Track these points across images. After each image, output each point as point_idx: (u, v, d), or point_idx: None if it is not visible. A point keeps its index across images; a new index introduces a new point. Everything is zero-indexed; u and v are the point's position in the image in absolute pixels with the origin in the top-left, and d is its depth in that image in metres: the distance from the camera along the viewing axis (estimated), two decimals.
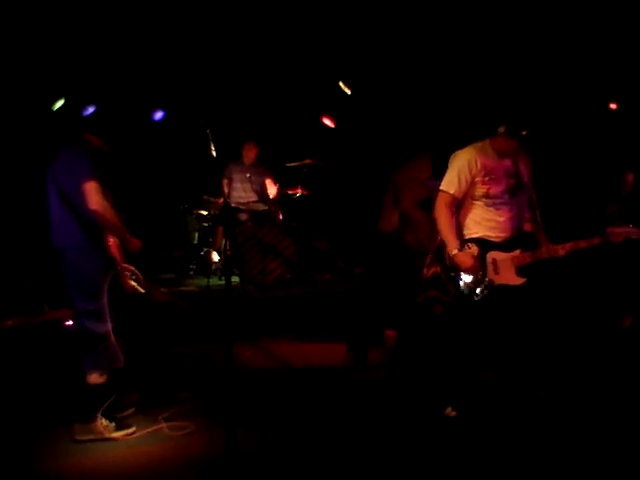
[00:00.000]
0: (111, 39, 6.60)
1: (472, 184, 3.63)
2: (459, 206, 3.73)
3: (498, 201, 3.64)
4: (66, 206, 3.51)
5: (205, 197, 6.94)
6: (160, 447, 3.40)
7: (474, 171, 3.61)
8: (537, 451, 3.26)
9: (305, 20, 6.71)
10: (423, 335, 5.32)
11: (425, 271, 5.69)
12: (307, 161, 7.08)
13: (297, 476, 3.10)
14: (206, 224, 7.22)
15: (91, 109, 7.23)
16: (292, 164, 7.18)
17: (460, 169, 3.64)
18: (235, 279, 6.35)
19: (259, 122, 7.89)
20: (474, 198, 3.67)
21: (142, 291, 3.68)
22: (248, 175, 7.17)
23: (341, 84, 7.72)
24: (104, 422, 3.48)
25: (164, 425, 3.61)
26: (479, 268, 3.63)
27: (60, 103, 6.47)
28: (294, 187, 7.14)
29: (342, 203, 8.10)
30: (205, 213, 7.12)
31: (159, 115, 7.90)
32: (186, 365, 4.67)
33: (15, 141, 6.61)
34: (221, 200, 6.89)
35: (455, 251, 3.64)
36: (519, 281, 3.64)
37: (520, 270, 3.64)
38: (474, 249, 3.67)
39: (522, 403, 3.72)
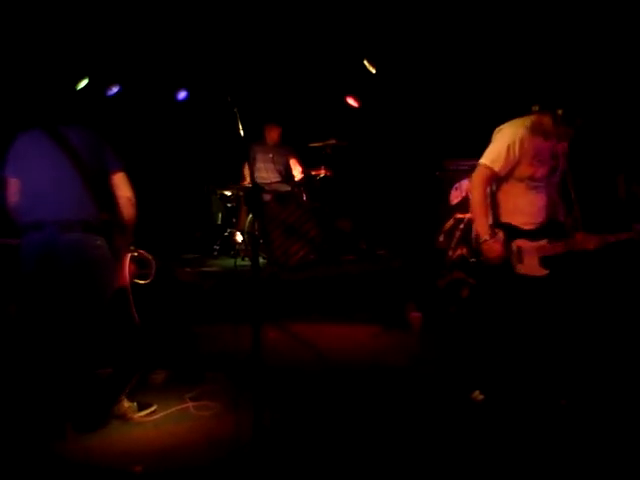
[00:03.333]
0: (134, 19, 6.55)
1: (517, 163, 3.40)
2: (496, 184, 3.52)
3: (541, 184, 3.45)
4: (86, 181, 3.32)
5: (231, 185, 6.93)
6: (186, 427, 3.40)
7: (524, 150, 3.37)
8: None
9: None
10: (448, 317, 5.31)
11: (450, 253, 5.67)
12: (331, 141, 7.01)
13: (324, 458, 3.08)
14: (230, 204, 7.20)
15: (115, 89, 7.28)
16: (315, 144, 7.11)
17: (510, 145, 3.39)
18: (261, 260, 6.34)
19: (282, 102, 7.82)
20: (516, 179, 3.45)
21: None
22: (271, 155, 7.13)
23: (366, 63, 7.60)
24: (126, 404, 3.49)
25: (190, 404, 3.62)
26: (504, 258, 3.44)
27: (84, 82, 6.44)
28: (317, 168, 7.07)
29: (365, 184, 8.03)
30: (229, 194, 7.10)
31: (183, 95, 7.86)
32: (210, 345, 4.68)
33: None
34: (246, 182, 6.86)
35: (487, 237, 3.42)
36: (541, 272, 3.42)
37: (544, 261, 3.42)
38: (500, 235, 3.46)
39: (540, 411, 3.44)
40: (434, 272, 5.66)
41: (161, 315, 5.05)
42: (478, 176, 3.48)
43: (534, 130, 3.43)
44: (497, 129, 3.54)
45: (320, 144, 7.08)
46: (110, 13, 6.41)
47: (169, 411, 3.55)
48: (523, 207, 3.47)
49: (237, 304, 4.99)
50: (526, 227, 3.46)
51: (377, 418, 3.47)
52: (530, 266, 3.43)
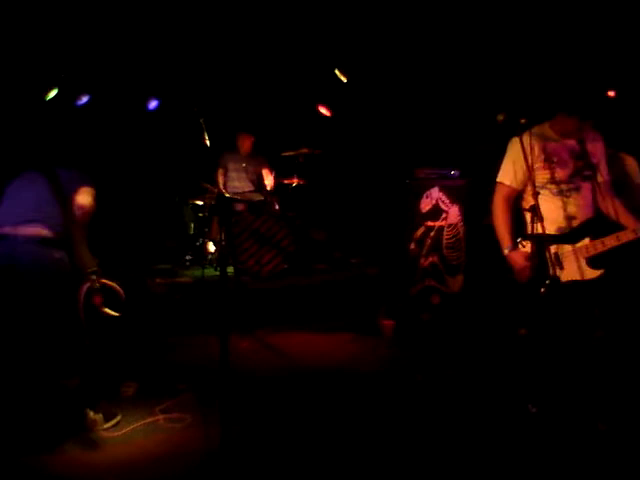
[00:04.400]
0: (104, 28, 6.52)
1: (532, 171, 3.27)
2: (520, 198, 3.44)
3: (567, 187, 3.30)
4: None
5: (205, 185, 6.87)
6: (156, 439, 3.38)
7: (531, 157, 3.25)
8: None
9: (300, 8, 6.63)
10: (419, 325, 5.36)
11: (422, 260, 5.73)
12: (303, 150, 7.03)
13: (294, 469, 3.08)
14: (202, 214, 7.18)
15: (85, 98, 7.22)
16: (288, 153, 7.13)
17: (514, 157, 3.35)
18: (230, 270, 6.32)
19: (254, 111, 7.83)
20: (539, 187, 3.29)
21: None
22: (244, 165, 7.12)
23: (337, 72, 7.65)
24: (92, 416, 3.47)
25: (160, 417, 3.59)
26: (533, 268, 3.27)
27: (54, 93, 6.39)
28: (290, 177, 7.09)
29: (338, 192, 8.06)
30: (201, 203, 7.07)
31: (153, 104, 7.82)
32: (182, 356, 4.65)
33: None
34: (217, 189, 6.83)
35: (507, 251, 3.38)
36: (592, 274, 3.21)
37: (592, 262, 3.21)
38: (528, 247, 3.33)
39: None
40: (406, 280, 5.70)
41: (131, 327, 5.01)
42: (496, 194, 3.48)
43: (541, 134, 3.35)
44: (509, 142, 3.47)
45: (292, 153, 7.09)
46: (80, 23, 6.36)
47: (139, 423, 3.53)
48: (549, 214, 3.30)
49: (206, 314, 5.00)
50: (559, 232, 3.33)
51: (348, 426, 3.48)
52: (575, 271, 3.25)
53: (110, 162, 7.05)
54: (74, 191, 3.49)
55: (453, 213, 5.74)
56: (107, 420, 3.50)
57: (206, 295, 5.64)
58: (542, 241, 3.25)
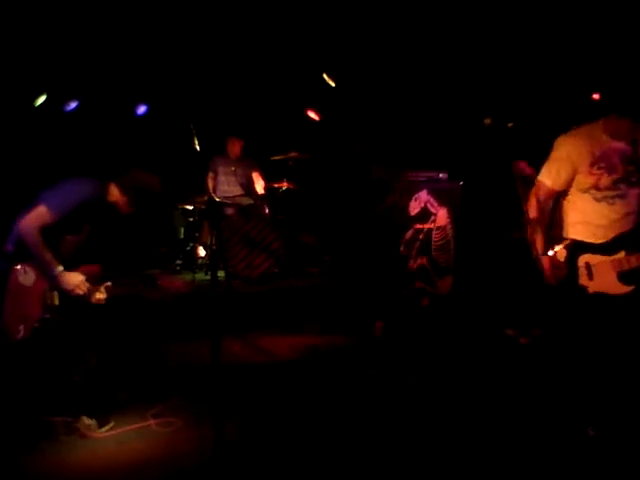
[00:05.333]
0: (94, 33, 6.52)
1: (576, 174, 3.15)
2: (560, 198, 3.30)
3: (611, 194, 3.12)
4: None
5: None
6: (148, 443, 3.39)
7: (577, 160, 3.12)
8: None
9: (288, 12, 6.67)
10: (409, 326, 5.39)
11: (411, 262, 5.77)
12: (292, 154, 7.06)
13: (286, 472, 3.11)
14: (192, 219, 7.19)
15: (73, 104, 7.22)
16: (277, 157, 7.15)
17: (559, 158, 3.20)
18: (221, 274, 6.33)
19: (243, 115, 7.85)
20: (579, 190, 3.19)
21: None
22: (233, 169, 7.14)
23: (325, 76, 7.69)
24: (86, 421, 3.48)
25: (152, 422, 3.60)
26: (560, 275, 3.18)
27: (42, 99, 6.38)
28: (280, 180, 7.12)
29: (328, 196, 8.10)
30: (190, 208, 7.08)
31: (142, 109, 7.83)
32: (174, 360, 4.67)
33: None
34: (206, 195, 6.84)
35: (539, 253, 3.26)
36: (621, 289, 3.07)
37: (624, 276, 3.07)
38: (562, 253, 3.21)
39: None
40: (395, 282, 5.74)
41: (123, 332, 5.01)
42: (533, 192, 3.33)
43: (591, 135, 3.16)
44: (556, 139, 3.29)
45: (282, 157, 7.12)
46: (68, 28, 6.37)
47: (131, 427, 3.54)
48: (590, 220, 3.19)
49: (196, 319, 5.01)
50: (595, 241, 3.17)
51: (340, 427, 3.51)
52: (604, 283, 3.10)
53: (100, 167, 7.05)
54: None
55: (442, 215, 5.79)
56: (101, 426, 3.51)
57: (197, 299, 5.64)
58: (575, 248, 3.18)
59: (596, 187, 3.13)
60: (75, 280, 3.44)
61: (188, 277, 6.53)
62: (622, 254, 3.09)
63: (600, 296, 3.11)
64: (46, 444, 3.34)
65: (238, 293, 5.98)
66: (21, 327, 3.35)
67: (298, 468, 3.11)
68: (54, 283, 3.42)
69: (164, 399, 3.88)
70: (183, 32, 6.74)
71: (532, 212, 3.32)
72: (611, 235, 3.13)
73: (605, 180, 3.11)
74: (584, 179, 3.15)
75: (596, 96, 7.00)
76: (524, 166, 4.69)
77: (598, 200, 3.14)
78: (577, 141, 3.16)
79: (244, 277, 6.36)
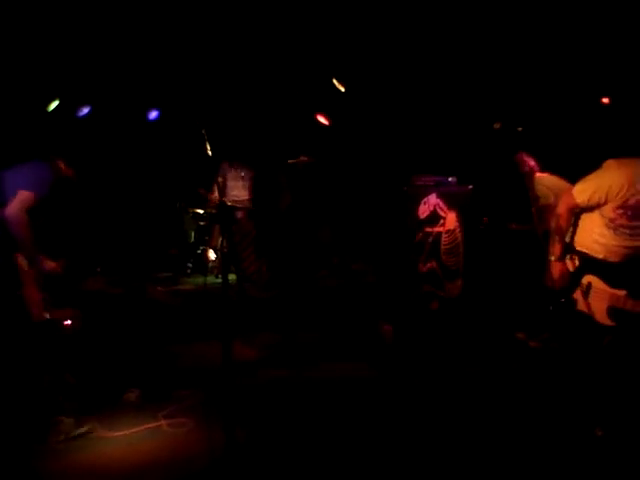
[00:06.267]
0: (106, 39, 6.59)
1: (603, 204, 3.28)
2: (582, 211, 3.41)
3: (622, 231, 3.27)
4: None
5: (201, 190, 6.93)
6: (159, 444, 3.41)
7: (613, 193, 3.21)
8: None
9: (298, 18, 6.72)
10: (418, 330, 5.40)
11: (420, 266, 5.79)
12: (302, 158, 7.10)
13: (296, 472, 3.13)
14: (202, 223, 7.24)
15: (86, 109, 7.29)
16: (289, 161, 7.19)
17: (599, 188, 3.27)
18: (232, 277, 6.38)
19: (254, 120, 7.91)
20: (601, 214, 3.32)
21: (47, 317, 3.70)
22: (242, 174, 7.19)
23: (334, 81, 7.73)
24: (65, 420, 3.50)
25: (163, 422, 3.63)
26: (564, 284, 3.31)
27: (55, 104, 6.46)
28: (296, 157, 7.12)
29: (337, 199, 8.13)
30: (201, 212, 7.13)
31: (154, 114, 7.90)
32: (185, 362, 4.71)
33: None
34: (215, 196, 6.90)
35: (553, 258, 3.38)
36: (605, 321, 3.20)
37: (613, 312, 3.19)
38: (574, 262, 3.36)
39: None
40: (404, 285, 5.76)
41: (134, 333, 5.07)
42: (564, 201, 3.43)
43: (637, 176, 3.19)
44: (608, 161, 3.35)
45: (292, 161, 7.16)
46: (81, 35, 6.44)
47: (142, 428, 3.56)
48: (597, 239, 3.34)
49: (208, 322, 5.05)
50: (602, 258, 3.30)
51: (349, 430, 3.53)
52: (594, 307, 3.23)
53: (112, 171, 7.13)
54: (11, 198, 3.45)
55: (451, 219, 5.80)
56: (77, 427, 3.51)
57: (209, 302, 5.69)
58: (586, 264, 3.28)
59: (612, 220, 3.27)
60: (52, 263, 3.61)
61: (199, 280, 6.59)
62: (623, 293, 3.17)
63: (583, 315, 3.25)
64: (57, 444, 3.38)
65: (249, 296, 6.02)
66: (35, 309, 3.47)
67: (307, 471, 3.13)
68: (37, 266, 3.50)
69: (176, 400, 3.92)
70: (194, 38, 6.80)
71: (559, 220, 3.40)
72: (615, 260, 3.25)
73: (621, 221, 3.24)
74: (607, 211, 3.28)
75: (605, 100, 7.00)
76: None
77: (610, 228, 3.29)
78: (623, 175, 3.21)
79: (253, 280, 6.40)
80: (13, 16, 5.90)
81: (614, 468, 3.02)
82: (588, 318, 3.25)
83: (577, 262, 3.33)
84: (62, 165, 3.74)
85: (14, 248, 3.45)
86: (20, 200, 3.40)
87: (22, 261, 3.47)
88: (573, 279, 3.31)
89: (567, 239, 3.44)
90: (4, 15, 5.86)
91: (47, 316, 3.57)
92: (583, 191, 3.34)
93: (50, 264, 3.69)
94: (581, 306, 3.27)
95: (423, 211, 5.74)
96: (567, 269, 3.35)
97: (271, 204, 6.92)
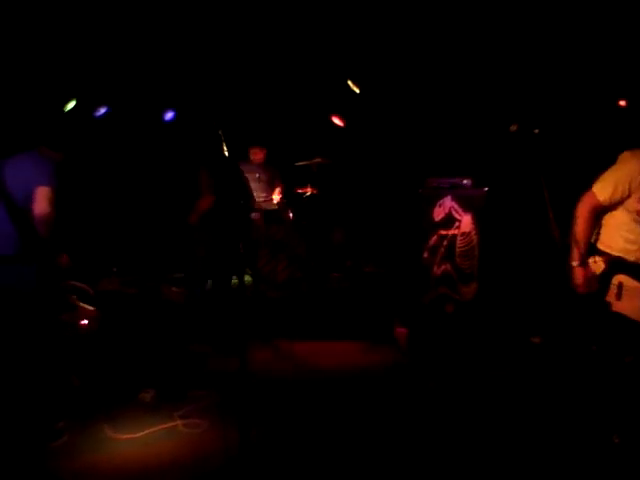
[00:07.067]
0: (122, 40, 6.64)
1: (627, 197, 3.19)
2: (605, 211, 3.31)
3: None
4: (9, 211, 3.46)
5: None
6: (175, 444, 3.44)
7: (635, 187, 3.14)
8: None
9: (313, 19, 6.73)
10: (433, 333, 5.39)
11: (435, 269, 5.77)
12: (316, 160, 7.11)
13: (311, 472, 3.13)
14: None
15: (103, 110, 7.34)
16: (302, 163, 7.21)
17: (620, 180, 3.18)
18: (249, 278, 6.39)
19: (268, 121, 7.92)
20: (627, 210, 3.22)
21: (89, 307, 3.72)
22: (257, 175, 7.20)
23: (349, 83, 7.73)
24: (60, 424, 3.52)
25: (179, 422, 3.65)
26: (590, 289, 3.22)
27: (72, 104, 6.51)
28: (304, 186, 7.16)
29: (351, 201, 8.13)
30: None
31: (170, 115, 7.93)
32: (201, 363, 4.72)
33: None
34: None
35: (575, 263, 3.26)
36: None
37: None
38: (599, 265, 3.26)
39: None
40: (419, 288, 5.75)
41: (149, 333, 5.10)
42: (585, 201, 3.30)
43: None
44: (622, 153, 3.28)
45: (306, 163, 7.17)
46: (98, 35, 6.49)
47: (158, 428, 3.59)
48: (627, 237, 3.24)
49: (224, 322, 5.06)
50: (632, 259, 3.21)
51: (364, 432, 3.53)
52: (629, 307, 3.15)
53: (128, 171, 7.17)
54: (30, 198, 3.44)
55: (466, 222, 5.78)
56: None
57: (224, 303, 5.70)
58: (615, 265, 3.20)
59: (639, 213, 3.18)
60: (64, 255, 3.64)
61: None
62: None
63: (620, 317, 3.15)
64: (72, 446, 3.40)
65: (265, 297, 6.03)
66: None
67: (323, 471, 3.13)
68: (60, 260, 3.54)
69: (191, 400, 3.94)
70: (210, 39, 6.83)
71: (581, 221, 3.29)
72: None
73: None
74: (632, 204, 3.19)
75: (622, 102, 6.95)
76: None
77: (638, 222, 3.20)
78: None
79: (268, 281, 6.42)
80: (33, 18, 5.96)
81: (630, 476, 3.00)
82: (625, 319, 3.15)
83: (602, 264, 3.24)
84: (49, 151, 3.67)
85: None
86: (46, 198, 3.42)
87: (52, 253, 3.50)
88: (602, 282, 3.21)
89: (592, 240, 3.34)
90: (23, 16, 5.92)
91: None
92: (604, 188, 3.23)
93: (63, 256, 3.69)
94: (616, 307, 3.17)
95: (438, 213, 5.73)
96: (592, 273, 3.25)
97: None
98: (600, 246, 3.31)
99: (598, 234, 3.33)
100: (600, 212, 3.30)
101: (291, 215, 7.11)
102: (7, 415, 3.37)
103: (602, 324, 3.22)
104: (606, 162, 3.35)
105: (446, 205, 5.75)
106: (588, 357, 3.39)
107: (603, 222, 3.32)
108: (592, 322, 3.29)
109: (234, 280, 6.58)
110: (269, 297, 6.11)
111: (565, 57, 6.38)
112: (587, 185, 3.34)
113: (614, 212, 3.28)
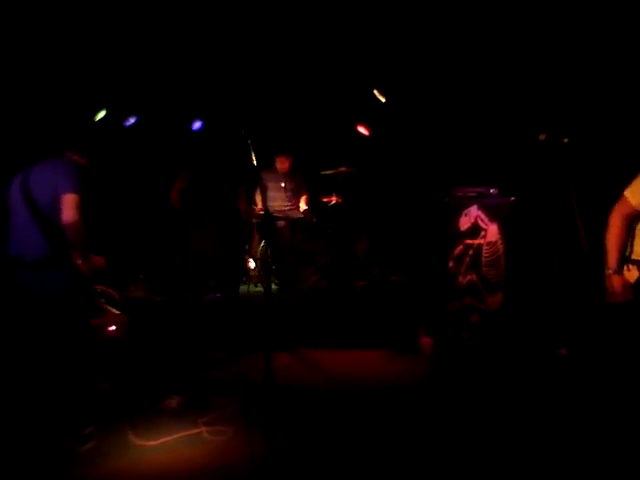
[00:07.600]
0: (151, 51, 6.75)
1: None
2: (638, 219, 3.20)
3: None
4: (35, 217, 3.52)
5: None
6: (199, 451, 3.45)
7: None
8: None
9: (340, 29, 6.76)
10: (458, 343, 5.35)
11: (460, 278, 5.72)
12: (342, 169, 7.13)
13: None
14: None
15: (132, 119, 7.46)
16: (327, 172, 7.23)
17: None
18: (274, 286, 6.43)
19: (294, 130, 7.97)
20: None
21: (116, 312, 3.74)
22: (283, 184, 7.24)
23: (375, 92, 7.75)
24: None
25: (204, 429, 3.66)
26: (626, 297, 3.15)
27: (102, 114, 6.62)
28: (329, 195, 7.18)
29: (376, 210, 8.12)
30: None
31: (198, 125, 8.02)
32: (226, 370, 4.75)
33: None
34: (257, 206, 6.96)
35: (610, 271, 3.18)
36: None
37: None
38: (633, 274, 3.17)
39: None
40: (444, 297, 5.71)
41: (175, 340, 5.14)
42: (618, 207, 3.22)
43: None
44: None
45: (331, 172, 7.20)
46: (129, 46, 6.60)
47: (182, 434, 3.60)
48: None
49: (250, 330, 5.08)
50: None
51: (388, 442, 3.51)
52: None
53: (156, 180, 7.24)
54: (57, 204, 3.48)
55: (492, 231, 5.72)
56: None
57: (250, 310, 5.73)
58: None
59: None
60: (98, 258, 3.70)
61: (241, 289, 6.64)
62: None
63: None
64: (96, 452, 3.42)
65: (290, 305, 6.05)
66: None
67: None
68: (89, 262, 3.57)
69: (216, 407, 3.95)
70: (237, 50, 6.91)
71: (611, 227, 3.21)
72: None
73: None
74: None
75: None
76: None
77: None
78: None
79: (294, 290, 6.43)
80: (64, 29, 6.09)
81: None
82: None
83: (637, 272, 3.14)
84: (75, 155, 3.73)
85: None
86: (73, 205, 3.46)
87: (77, 259, 3.52)
88: (637, 290, 3.13)
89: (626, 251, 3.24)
90: (56, 29, 6.05)
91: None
92: (636, 192, 3.14)
93: (97, 259, 3.71)
94: None
95: (464, 223, 5.69)
96: (627, 281, 3.16)
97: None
98: (634, 256, 3.21)
99: (632, 245, 3.23)
100: (634, 219, 3.20)
101: (316, 223, 7.13)
102: (36, 418, 3.42)
103: (637, 334, 3.15)
104: (636, 171, 3.29)
105: (472, 214, 5.70)
106: (618, 368, 3.32)
107: (636, 232, 3.22)
108: (626, 332, 3.23)
109: (258, 287, 6.63)
110: (294, 305, 6.12)
111: (596, 67, 6.31)
112: (617, 195, 3.30)
113: None
